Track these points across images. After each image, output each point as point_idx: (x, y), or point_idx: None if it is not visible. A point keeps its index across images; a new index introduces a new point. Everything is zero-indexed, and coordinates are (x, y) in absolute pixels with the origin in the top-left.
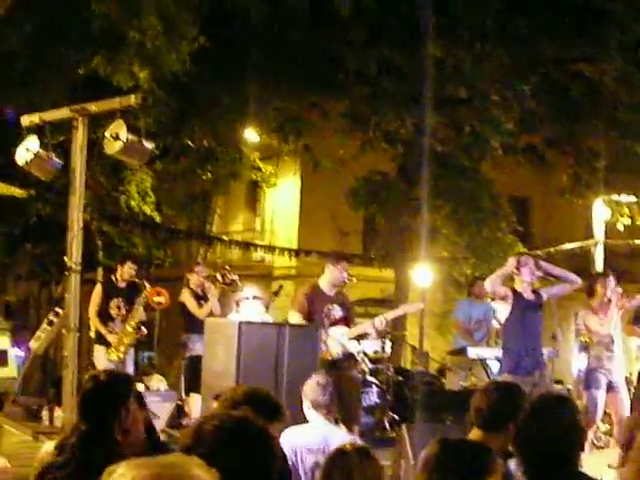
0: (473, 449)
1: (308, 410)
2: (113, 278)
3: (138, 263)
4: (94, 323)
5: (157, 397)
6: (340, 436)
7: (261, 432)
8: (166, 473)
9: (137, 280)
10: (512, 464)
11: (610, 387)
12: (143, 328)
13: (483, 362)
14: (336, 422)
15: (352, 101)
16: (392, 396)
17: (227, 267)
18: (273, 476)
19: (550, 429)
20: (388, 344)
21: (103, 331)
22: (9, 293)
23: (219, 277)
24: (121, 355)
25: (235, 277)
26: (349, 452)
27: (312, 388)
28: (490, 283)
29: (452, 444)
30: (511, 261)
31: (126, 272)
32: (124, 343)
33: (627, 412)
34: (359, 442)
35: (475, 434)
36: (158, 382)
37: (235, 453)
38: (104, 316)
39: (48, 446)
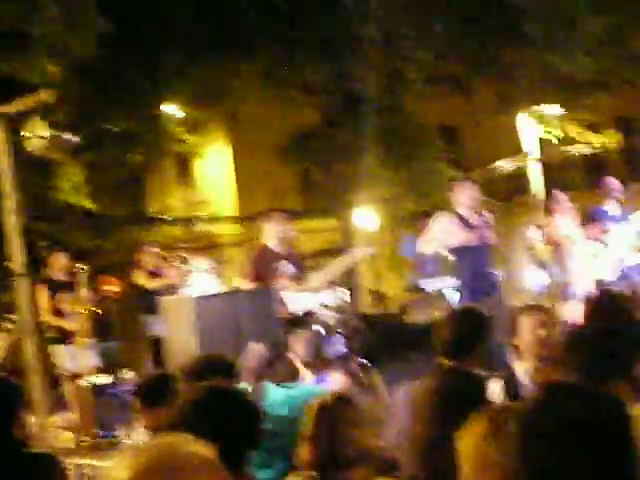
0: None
1: None
2: (50, 275)
3: (69, 250)
4: (51, 320)
5: (129, 387)
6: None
7: (236, 395)
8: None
9: (74, 268)
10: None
11: None
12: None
13: (441, 292)
14: None
15: (264, 60)
16: (358, 342)
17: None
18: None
19: None
20: (346, 291)
21: (62, 323)
22: None
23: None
24: (86, 340)
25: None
26: (330, 401)
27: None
28: None
29: None
30: None
31: (55, 263)
32: (84, 327)
33: None
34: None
35: (445, 364)
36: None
37: (215, 421)
38: (55, 314)
39: None
